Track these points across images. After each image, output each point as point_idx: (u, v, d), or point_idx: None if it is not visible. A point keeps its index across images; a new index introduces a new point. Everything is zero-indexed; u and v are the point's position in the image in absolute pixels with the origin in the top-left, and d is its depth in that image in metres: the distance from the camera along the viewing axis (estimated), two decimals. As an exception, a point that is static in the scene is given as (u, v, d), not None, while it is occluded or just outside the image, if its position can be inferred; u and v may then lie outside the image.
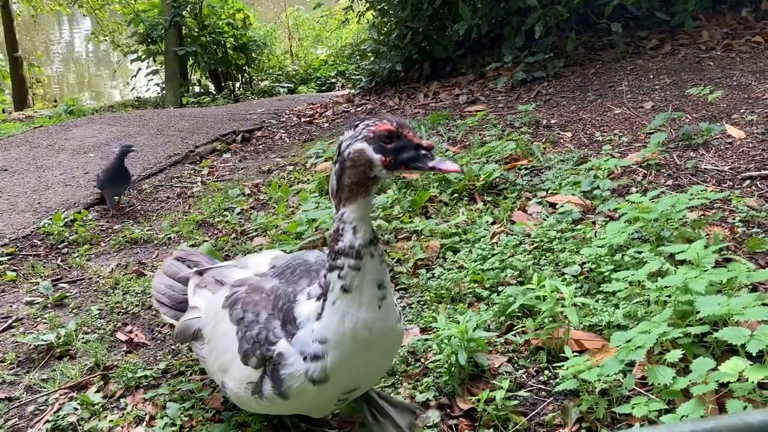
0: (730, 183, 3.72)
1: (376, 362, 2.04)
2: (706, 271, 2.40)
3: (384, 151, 1.82)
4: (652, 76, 6.08)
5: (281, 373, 1.95)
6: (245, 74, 15.90)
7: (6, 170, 6.41)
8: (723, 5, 7.53)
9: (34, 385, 2.87)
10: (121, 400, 2.71)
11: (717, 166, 3.94)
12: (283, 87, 15.14)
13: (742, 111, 4.77)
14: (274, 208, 4.71)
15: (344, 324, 1.89)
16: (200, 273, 2.63)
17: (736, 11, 7.34)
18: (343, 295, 1.88)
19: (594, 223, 3.48)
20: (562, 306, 2.57)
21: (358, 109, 8.41)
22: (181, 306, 2.62)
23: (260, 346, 2.00)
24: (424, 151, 1.81)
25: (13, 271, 4.09)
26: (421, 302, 3.11)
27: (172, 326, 3.05)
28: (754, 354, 1.94)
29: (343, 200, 1.88)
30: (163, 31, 13.97)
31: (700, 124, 4.48)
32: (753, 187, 3.63)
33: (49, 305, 3.65)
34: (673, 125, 4.70)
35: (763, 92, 5.13)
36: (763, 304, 2.12)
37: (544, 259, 3.21)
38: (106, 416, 2.60)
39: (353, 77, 10.76)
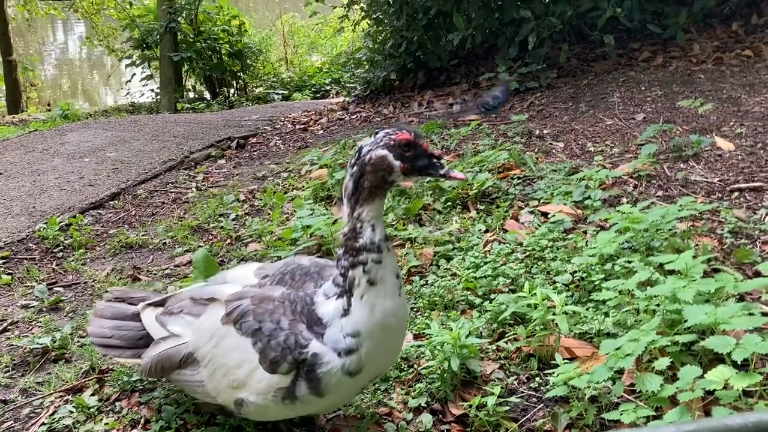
0: (719, 194, 3.78)
1: (397, 345, 2.22)
2: (694, 281, 2.45)
3: (403, 159, 2.00)
4: (643, 88, 6.15)
5: (318, 373, 2.01)
6: (240, 80, 15.92)
7: (1, 174, 6.42)
8: (714, 19, 7.63)
9: (29, 388, 2.89)
10: (117, 403, 2.73)
11: (706, 177, 4.00)
12: (277, 94, 15.17)
13: (731, 124, 4.85)
14: (269, 214, 4.74)
15: (374, 315, 2.02)
16: (157, 304, 2.55)
17: (727, 25, 7.44)
18: (370, 288, 2.01)
19: (585, 232, 3.53)
20: (553, 314, 2.61)
21: (353, 116, 8.46)
22: (140, 343, 2.52)
23: (291, 351, 2.03)
24: (436, 160, 2.03)
25: (8, 274, 4.10)
26: (415, 309, 3.15)
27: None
28: (739, 362, 1.98)
29: (361, 201, 2.02)
30: (158, 37, 13.97)
31: (690, 136, 4.54)
32: (741, 199, 3.69)
33: (44, 309, 3.66)
34: (663, 137, 4.76)
35: (752, 105, 5.20)
36: (750, 314, 2.17)
37: (536, 268, 3.26)
38: (101, 419, 2.62)
39: (348, 85, 10.82)
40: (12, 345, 3.25)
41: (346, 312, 2.02)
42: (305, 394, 2.04)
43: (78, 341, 3.24)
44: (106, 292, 3.42)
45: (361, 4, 9.34)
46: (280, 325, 2.07)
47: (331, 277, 2.10)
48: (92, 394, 2.77)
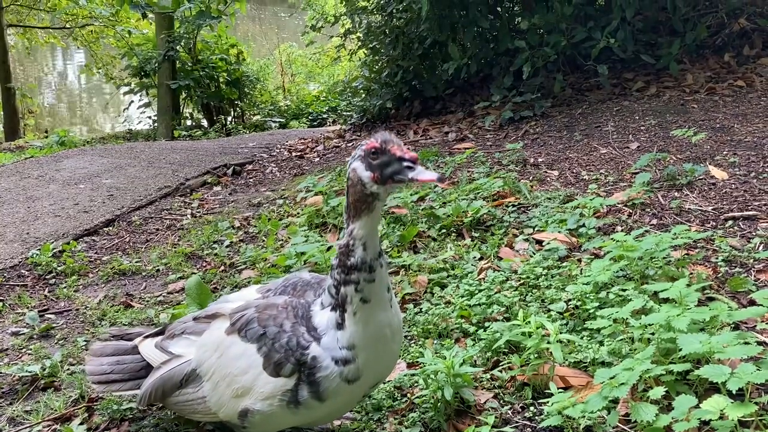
0: (713, 223, 3.79)
1: (394, 353, 2.22)
2: (689, 309, 2.44)
3: (372, 168, 1.95)
4: (637, 117, 6.20)
5: (317, 377, 2.05)
6: (238, 108, 15.99)
7: (-5, 200, 6.41)
8: (707, 50, 7.72)
9: (17, 416, 2.85)
10: (105, 432, 2.69)
11: (700, 206, 4.01)
12: (274, 122, 15.24)
13: (725, 153, 4.87)
14: (264, 241, 4.73)
15: (368, 330, 2.05)
16: (156, 334, 2.59)
17: (719, 56, 7.52)
18: (363, 306, 2.04)
19: (579, 260, 3.52)
20: (548, 342, 2.60)
21: (349, 144, 8.49)
22: (141, 374, 2.53)
23: (293, 352, 2.07)
24: (405, 163, 1.92)
25: (0, 301, 4.07)
26: (408, 337, 3.13)
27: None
28: (734, 392, 1.96)
29: (351, 217, 2.02)
30: (156, 65, 14.06)
31: (684, 164, 4.57)
32: (735, 228, 3.69)
33: (35, 336, 3.62)
34: (657, 165, 4.79)
35: (745, 135, 5.24)
36: (745, 343, 2.16)
37: (531, 296, 3.24)
38: (89, 449, 2.58)
39: (344, 113, 10.87)
40: (1, 373, 3.21)
41: (340, 325, 2.06)
42: (307, 399, 2.07)
43: (68, 369, 3.20)
44: (100, 335, 3.40)
45: (358, 34, 9.43)
46: (283, 328, 2.12)
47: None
48: (81, 423, 2.73)
